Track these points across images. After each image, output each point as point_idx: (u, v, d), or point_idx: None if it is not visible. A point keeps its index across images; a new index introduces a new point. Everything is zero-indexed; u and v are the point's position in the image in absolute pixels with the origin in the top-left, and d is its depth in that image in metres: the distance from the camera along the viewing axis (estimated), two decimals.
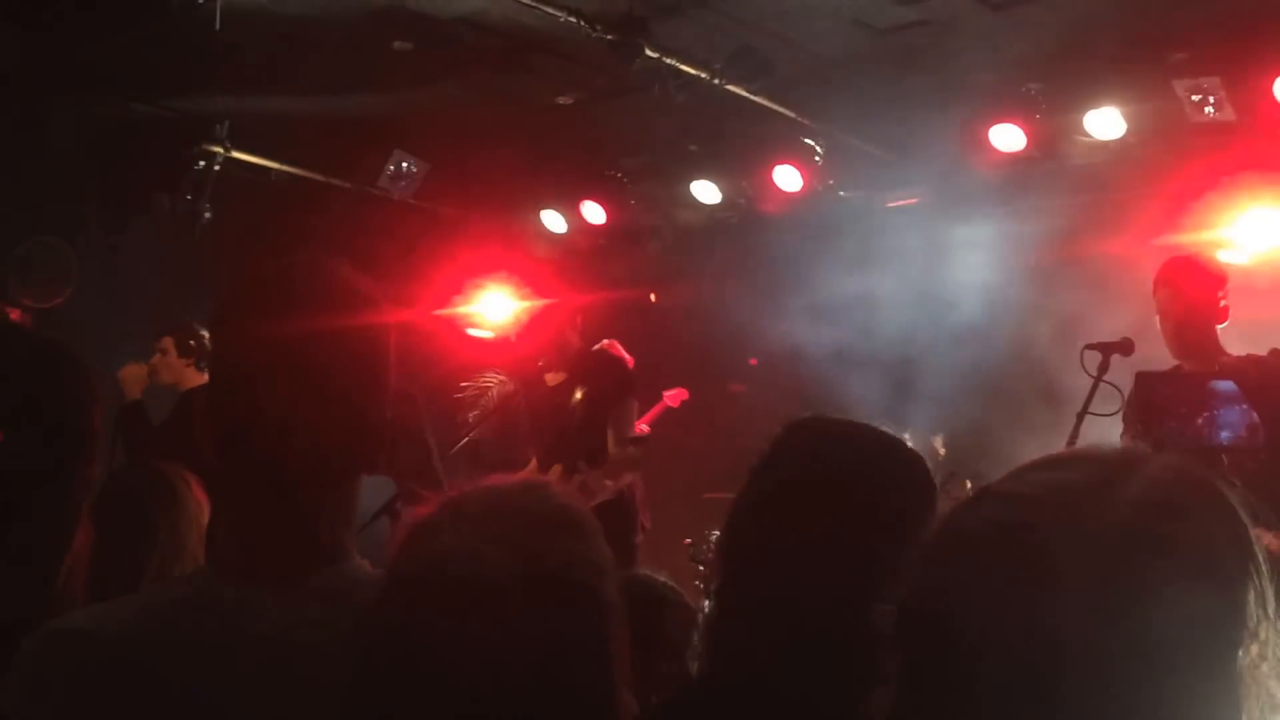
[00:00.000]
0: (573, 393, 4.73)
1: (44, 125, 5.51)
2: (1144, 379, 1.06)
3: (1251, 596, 0.75)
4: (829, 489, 1.28)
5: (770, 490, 1.32)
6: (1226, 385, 1.04)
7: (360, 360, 1.24)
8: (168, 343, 5.12)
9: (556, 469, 4.60)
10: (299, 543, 1.21)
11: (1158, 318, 3.66)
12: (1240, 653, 0.74)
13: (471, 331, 7.54)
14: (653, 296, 7.74)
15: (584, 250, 7.51)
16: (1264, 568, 0.77)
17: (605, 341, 5.21)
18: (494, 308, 7.57)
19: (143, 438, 4.82)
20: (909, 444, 1.38)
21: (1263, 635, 0.75)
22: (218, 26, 4.35)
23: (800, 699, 1.23)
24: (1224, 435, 1.06)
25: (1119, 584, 0.73)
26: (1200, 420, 1.07)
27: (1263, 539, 1.49)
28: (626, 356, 5.54)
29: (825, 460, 1.31)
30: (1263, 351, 3.42)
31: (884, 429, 1.36)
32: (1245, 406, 1.02)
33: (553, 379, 4.87)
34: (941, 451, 6.05)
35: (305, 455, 1.20)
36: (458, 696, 0.93)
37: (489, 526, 1.00)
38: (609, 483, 4.42)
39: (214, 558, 1.27)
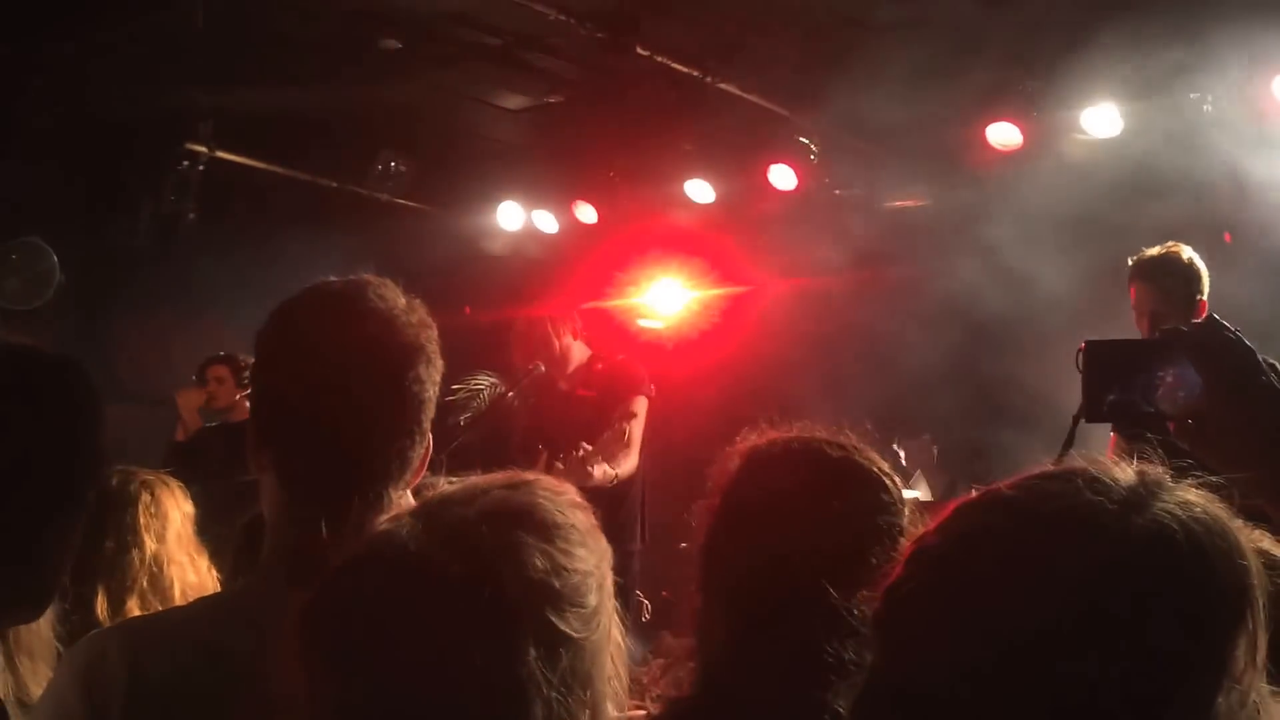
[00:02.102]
0: (585, 395, 4.69)
1: (25, 124, 5.43)
2: (1092, 347, 1.05)
3: (1242, 643, 0.75)
4: (785, 515, 1.29)
5: (734, 513, 1.33)
6: (1174, 350, 1.07)
7: (396, 380, 1.29)
8: (224, 371, 5.22)
9: (543, 454, 4.50)
10: (340, 554, 1.25)
11: (1133, 312, 3.67)
12: (1220, 698, 0.74)
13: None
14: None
15: (576, 250, 7.44)
16: (1262, 615, 0.77)
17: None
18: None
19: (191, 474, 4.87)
20: (874, 456, 1.38)
21: (1245, 682, 0.75)
22: (200, 24, 4.29)
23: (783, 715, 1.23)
24: (1176, 397, 1.08)
25: (1105, 612, 0.73)
26: (1154, 381, 1.08)
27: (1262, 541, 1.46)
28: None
29: (781, 486, 1.32)
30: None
31: (844, 443, 1.37)
32: (1188, 371, 1.05)
33: (567, 385, 4.81)
34: (934, 449, 6.02)
35: (346, 478, 1.28)
36: (379, 688, 0.92)
37: (441, 523, 0.97)
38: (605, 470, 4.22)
39: (265, 565, 1.33)
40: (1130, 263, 3.73)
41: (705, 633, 1.33)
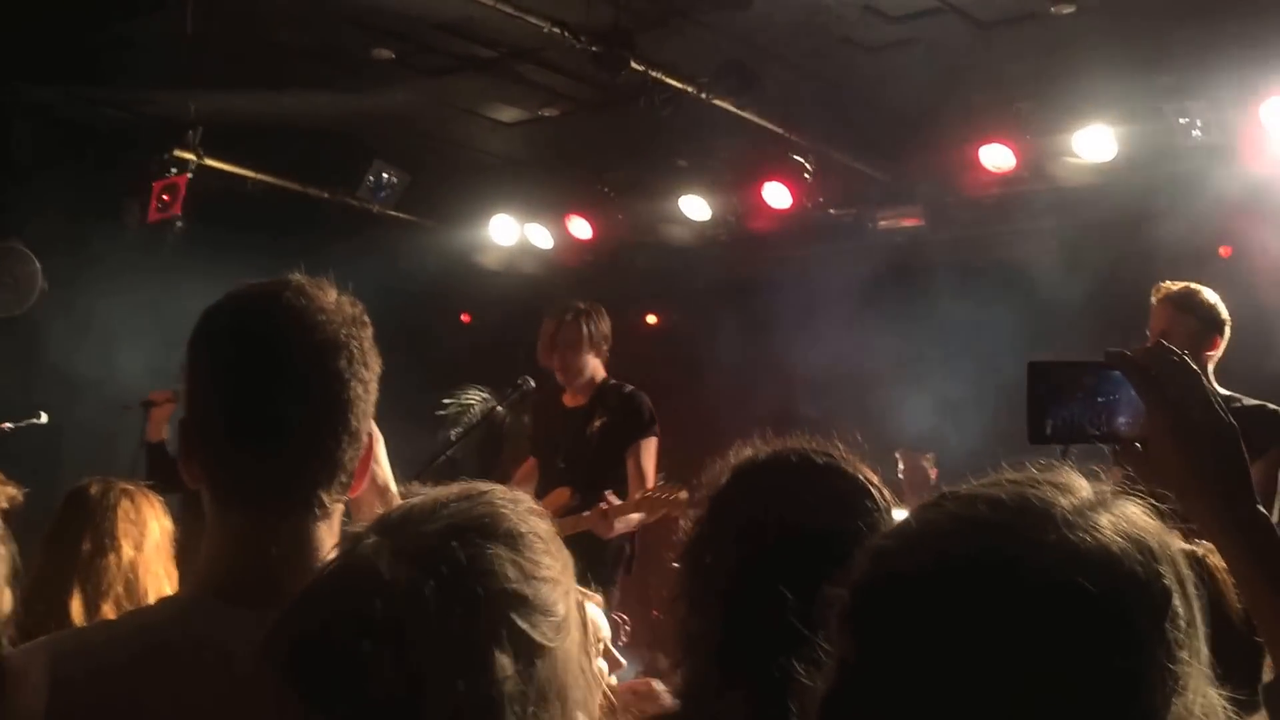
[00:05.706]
0: (591, 420, 4.62)
1: (11, 130, 5.39)
2: (1036, 368, 1.04)
3: (1185, 655, 0.75)
4: (771, 523, 1.28)
5: (722, 522, 1.32)
6: (1117, 374, 1.08)
7: (313, 380, 1.24)
8: None
9: (564, 492, 4.50)
10: (274, 566, 1.22)
11: (1150, 334, 3.77)
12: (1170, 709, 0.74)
13: None
14: (652, 319, 7.63)
15: (570, 266, 7.40)
16: (1200, 624, 0.77)
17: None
18: None
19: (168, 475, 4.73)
20: (861, 467, 1.37)
21: (1193, 690, 0.75)
22: (190, 31, 4.25)
23: None
24: (1121, 421, 1.09)
25: (1058, 613, 0.73)
26: (1098, 403, 1.09)
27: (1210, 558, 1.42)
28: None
29: (775, 502, 1.31)
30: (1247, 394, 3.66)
31: (831, 453, 1.37)
32: (1133, 394, 1.06)
33: (571, 400, 4.75)
34: (933, 472, 5.99)
35: (271, 481, 1.23)
36: (347, 703, 0.90)
37: (408, 540, 0.96)
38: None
39: (197, 581, 1.28)
40: (1160, 288, 3.87)
41: (691, 646, 1.31)
